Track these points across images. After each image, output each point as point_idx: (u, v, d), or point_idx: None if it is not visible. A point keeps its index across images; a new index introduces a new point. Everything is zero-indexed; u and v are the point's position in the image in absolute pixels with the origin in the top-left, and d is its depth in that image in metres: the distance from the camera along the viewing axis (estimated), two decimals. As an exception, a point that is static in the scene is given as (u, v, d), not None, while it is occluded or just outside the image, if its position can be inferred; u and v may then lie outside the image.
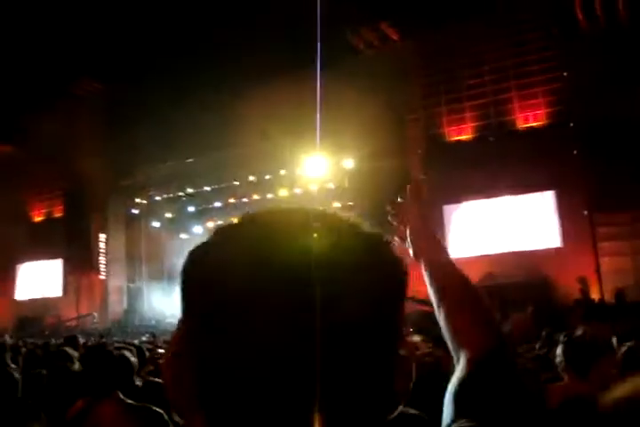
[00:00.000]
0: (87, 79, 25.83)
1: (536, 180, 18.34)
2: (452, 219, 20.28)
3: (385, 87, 19.32)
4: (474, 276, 18.03)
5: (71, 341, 7.78)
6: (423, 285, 1.39)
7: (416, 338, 6.91)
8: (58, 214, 28.87)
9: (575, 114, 17.95)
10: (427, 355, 4.80)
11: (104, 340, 15.34)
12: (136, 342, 11.79)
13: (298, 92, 18.87)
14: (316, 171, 24.23)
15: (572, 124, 17.97)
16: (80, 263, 27.21)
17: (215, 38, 20.32)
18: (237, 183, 26.21)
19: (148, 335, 18.40)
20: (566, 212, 18.42)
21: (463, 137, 20.08)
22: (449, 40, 20.26)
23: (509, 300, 15.55)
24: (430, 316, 1.46)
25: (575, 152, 17.64)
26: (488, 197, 19.65)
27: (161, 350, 7.87)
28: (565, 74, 18.45)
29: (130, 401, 3.29)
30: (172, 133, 23.18)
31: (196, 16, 20.58)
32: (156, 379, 4.56)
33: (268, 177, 25.08)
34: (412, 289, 0.74)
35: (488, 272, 18.53)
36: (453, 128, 20.24)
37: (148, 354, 6.71)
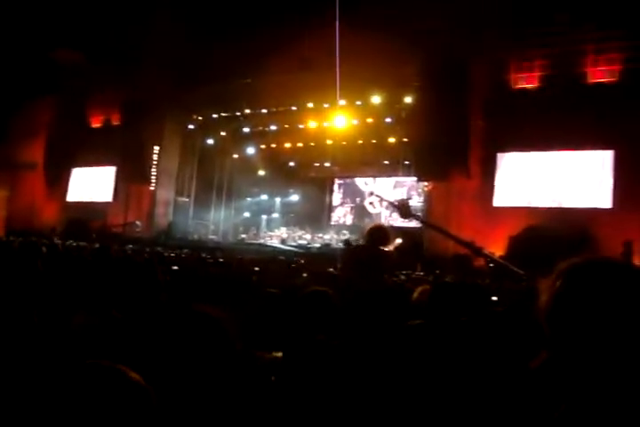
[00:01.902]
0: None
1: (597, 137, 17.94)
2: (504, 167, 20.06)
3: (452, 28, 18.89)
4: (517, 226, 18.09)
5: (103, 251, 7.91)
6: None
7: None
8: (115, 122, 29.21)
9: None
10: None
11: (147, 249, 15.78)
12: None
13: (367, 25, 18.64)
14: (374, 104, 24.13)
15: (643, 85, 17.37)
16: (132, 172, 27.67)
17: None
18: (295, 108, 26.12)
19: (187, 250, 18.85)
20: (622, 173, 18.04)
21: (528, 86, 19.58)
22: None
23: (549, 255, 15.52)
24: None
25: (643, 114, 17.10)
26: (544, 149, 19.34)
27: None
28: (645, 31, 17.72)
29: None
30: (235, 51, 23.04)
31: None
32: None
33: (326, 105, 24.92)
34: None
35: (532, 224, 18.44)
36: (520, 75, 19.72)
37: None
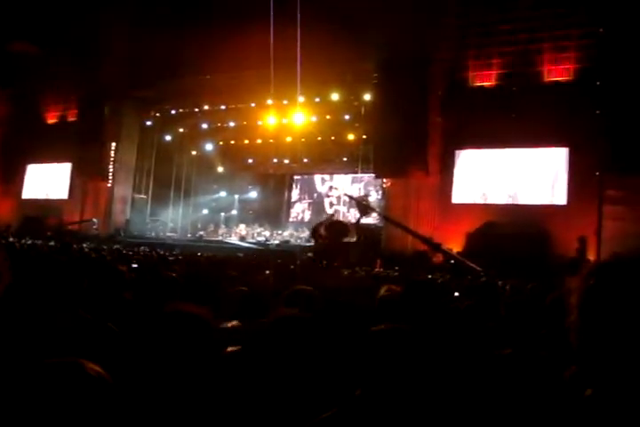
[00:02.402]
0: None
1: (552, 135, 18.20)
2: (461, 164, 20.27)
3: (411, 25, 19.03)
4: (474, 222, 18.30)
5: (65, 248, 7.87)
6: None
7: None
8: (71, 118, 28.83)
9: (603, 73, 17.61)
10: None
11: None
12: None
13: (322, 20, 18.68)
14: (333, 101, 24.19)
15: (598, 83, 17.66)
16: (88, 169, 27.35)
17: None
18: (254, 105, 26.03)
19: (144, 247, 18.69)
20: (577, 170, 18.33)
21: (486, 83, 19.80)
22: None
23: (505, 251, 15.77)
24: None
25: (597, 112, 17.39)
26: (501, 146, 19.59)
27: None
28: (601, 30, 18.00)
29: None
30: (192, 48, 22.90)
31: None
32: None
33: (285, 102, 24.90)
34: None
35: (489, 221, 18.68)
36: (478, 73, 19.93)
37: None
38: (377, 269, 14.45)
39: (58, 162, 29.03)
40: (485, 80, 19.83)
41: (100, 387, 1.47)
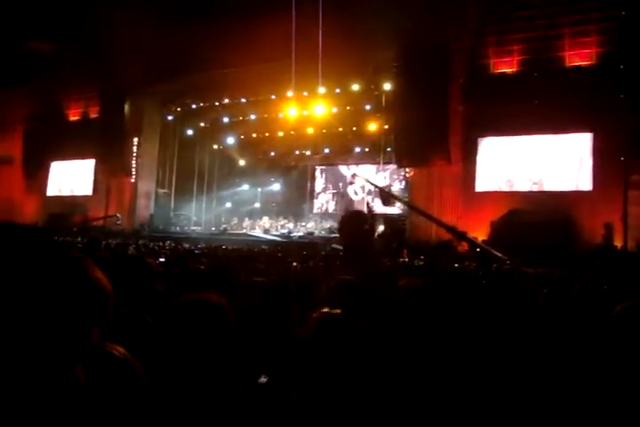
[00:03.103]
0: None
1: (576, 120, 18.01)
2: (484, 152, 20.16)
3: (431, 13, 18.93)
4: (498, 210, 18.21)
5: (93, 243, 7.93)
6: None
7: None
8: (94, 115, 29.02)
9: (627, 56, 17.40)
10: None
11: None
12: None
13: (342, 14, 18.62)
14: (354, 91, 24.15)
15: (621, 67, 17.46)
16: (112, 165, 27.55)
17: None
18: (274, 97, 26.06)
19: (169, 242, 18.82)
20: (602, 156, 18.14)
21: (507, 70, 19.63)
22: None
23: (531, 238, 15.67)
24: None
25: (621, 96, 17.19)
26: (524, 133, 19.43)
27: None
28: (623, 13, 17.78)
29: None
30: (212, 41, 22.95)
31: None
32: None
33: (305, 94, 24.90)
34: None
35: (514, 208, 18.56)
36: (498, 60, 19.77)
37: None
38: (403, 259, 14.46)
39: (81, 158, 29.25)
40: (506, 67, 19.67)
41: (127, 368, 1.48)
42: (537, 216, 17.52)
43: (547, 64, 18.80)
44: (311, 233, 25.77)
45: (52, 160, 30.46)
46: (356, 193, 30.02)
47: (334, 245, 17.35)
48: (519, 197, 19.14)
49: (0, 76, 28.13)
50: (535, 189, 19.25)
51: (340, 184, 31.11)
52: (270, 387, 2.47)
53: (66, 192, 30.08)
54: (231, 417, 1.88)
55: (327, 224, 26.78)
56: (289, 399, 2.15)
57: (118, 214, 26.92)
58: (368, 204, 17.17)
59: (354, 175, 29.08)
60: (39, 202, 30.53)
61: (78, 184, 29.71)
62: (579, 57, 18.53)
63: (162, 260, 7.24)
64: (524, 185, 19.51)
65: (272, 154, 31.56)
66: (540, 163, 19.29)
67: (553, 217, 17.54)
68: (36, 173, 30.42)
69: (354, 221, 7.65)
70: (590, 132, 18.45)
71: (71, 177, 30.06)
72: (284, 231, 26.96)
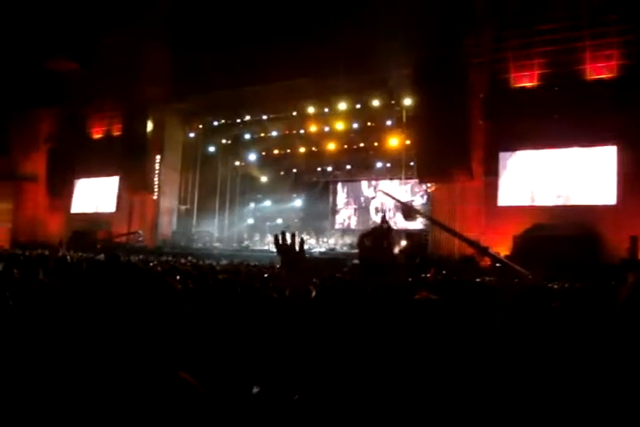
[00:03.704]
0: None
1: (599, 134, 17.86)
2: (507, 166, 20.03)
3: (450, 29, 18.97)
4: (522, 225, 18.04)
5: (112, 259, 7.92)
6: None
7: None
8: (116, 133, 29.29)
9: (648, 69, 17.29)
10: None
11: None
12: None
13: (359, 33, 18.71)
14: (374, 107, 24.19)
15: (643, 79, 17.33)
16: (134, 182, 27.75)
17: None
18: (295, 114, 26.17)
19: (190, 257, 18.85)
20: (626, 169, 17.96)
21: (528, 84, 19.55)
22: (523, -18, 19.63)
23: (554, 253, 15.50)
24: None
25: (644, 108, 17.05)
26: (547, 147, 19.30)
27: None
28: (645, 25, 17.68)
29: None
30: (232, 60, 23.14)
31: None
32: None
33: (326, 110, 24.99)
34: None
35: (537, 223, 18.39)
36: (519, 74, 19.70)
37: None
38: (426, 275, 14.33)
39: (105, 176, 29.51)
40: (527, 81, 19.59)
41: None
42: (561, 230, 17.36)
43: (568, 77, 18.70)
44: (332, 249, 25.69)
45: (77, 178, 30.76)
46: (377, 210, 29.94)
47: (355, 261, 17.28)
48: (542, 211, 18.98)
49: (25, 95, 28.54)
50: (559, 203, 19.07)
51: (362, 199, 31.06)
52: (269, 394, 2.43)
53: (90, 209, 30.34)
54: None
55: (349, 240, 26.69)
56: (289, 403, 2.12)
57: (140, 231, 27.10)
58: (384, 218, 17.01)
59: (376, 190, 29.00)
60: (63, 219, 30.80)
61: (102, 201, 29.96)
62: (600, 70, 18.42)
63: (177, 277, 7.22)
64: (547, 199, 19.35)
65: (294, 170, 31.60)
66: (564, 177, 19.13)
67: (577, 231, 17.36)
68: (60, 190, 30.70)
69: (371, 237, 7.58)
70: (614, 145, 18.28)
71: (95, 194, 30.32)
72: (306, 247, 26.86)
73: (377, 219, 28.72)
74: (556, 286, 8.72)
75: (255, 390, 2.66)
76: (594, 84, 18.26)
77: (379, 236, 7.35)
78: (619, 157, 18.25)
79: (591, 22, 18.41)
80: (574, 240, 16.90)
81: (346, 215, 31.68)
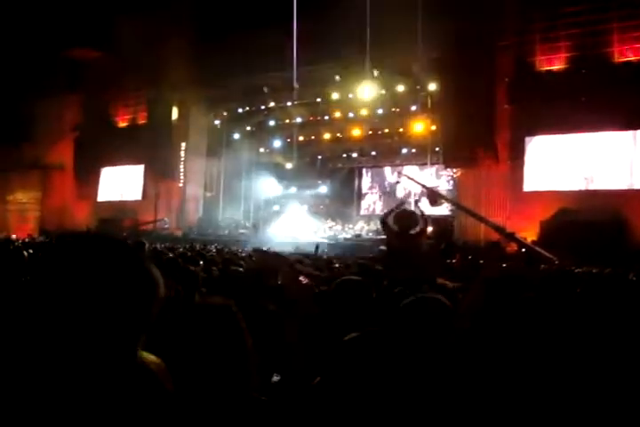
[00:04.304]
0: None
1: (627, 117, 17.62)
2: (532, 151, 19.86)
3: (476, 11, 18.77)
4: (548, 210, 17.89)
5: (138, 246, 8.02)
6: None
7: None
8: (141, 121, 29.41)
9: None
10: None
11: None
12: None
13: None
14: (399, 92, 24.08)
15: (673, 62, 17.07)
16: (160, 170, 27.89)
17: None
18: (319, 100, 26.12)
19: (216, 244, 18.91)
20: (654, 152, 17.76)
21: (555, 67, 19.32)
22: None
23: (581, 238, 15.38)
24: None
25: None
26: (573, 131, 19.08)
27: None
28: (674, 5, 17.36)
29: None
30: (256, 46, 23.11)
31: None
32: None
33: (350, 96, 24.88)
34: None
35: (562, 208, 18.23)
36: (545, 57, 19.46)
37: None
38: (451, 262, 14.28)
39: (131, 164, 29.67)
40: (554, 64, 19.36)
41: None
42: (588, 215, 17.19)
43: (595, 60, 18.45)
44: (358, 235, 25.65)
45: (103, 166, 30.96)
46: (403, 195, 29.83)
47: (382, 247, 17.24)
48: (569, 196, 18.79)
49: (50, 83, 28.73)
50: (585, 188, 18.88)
51: (387, 185, 30.97)
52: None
53: (116, 197, 30.55)
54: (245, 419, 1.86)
55: (374, 226, 26.63)
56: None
57: (166, 218, 27.29)
58: (417, 203, 16.81)
59: (400, 174, 28.81)
60: (90, 207, 31.04)
61: (128, 189, 30.15)
62: (628, 52, 18.14)
63: (201, 263, 7.25)
64: (574, 184, 19.16)
65: (319, 157, 31.56)
66: (591, 161, 18.93)
67: (604, 216, 17.18)
68: (87, 178, 30.91)
69: (402, 222, 7.49)
70: (641, 128, 18.05)
71: (121, 182, 30.53)
72: (331, 234, 26.87)
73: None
74: (581, 271, 8.64)
75: (275, 378, 2.68)
76: (622, 67, 18.00)
77: (406, 222, 7.28)
78: (646, 140, 18.05)
79: (619, 3, 18.12)
80: (601, 225, 16.74)
81: (371, 201, 31.62)
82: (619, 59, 18.24)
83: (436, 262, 10.84)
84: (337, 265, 8.95)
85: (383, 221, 8.01)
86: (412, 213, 8.36)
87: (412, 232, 7.23)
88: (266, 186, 31.39)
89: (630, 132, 18.32)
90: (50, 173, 31.88)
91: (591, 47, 18.58)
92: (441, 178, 28.15)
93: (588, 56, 18.59)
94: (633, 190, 17.96)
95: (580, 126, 18.69)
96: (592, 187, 18.74)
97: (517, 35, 19.73)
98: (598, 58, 18.44)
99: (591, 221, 16.73)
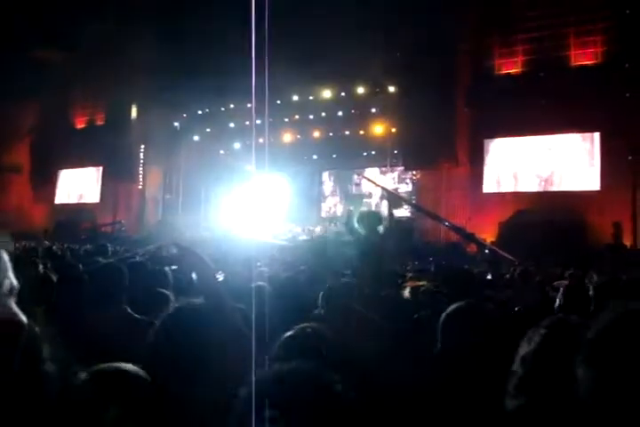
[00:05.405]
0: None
1: (583, 120, 17.92)
2: (491, 153, 20.12)
3: (436, 16, 18.95)
4: (507, 211, 18.15)
5: (101, 249, 7.98)
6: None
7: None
8: (100, 122, 29.10)
9: (632, 55, 17.33)
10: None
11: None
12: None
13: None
14: (359, 94, 24.17)
15: (627, 66, 17.39)
16: (119, 172, 27.61)
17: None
18: (279, 102, 26.09)
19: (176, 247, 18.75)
20: (609, 155, 18.08)
21: (512, 71, 19.61)
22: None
23: (539, 239, 15.61)
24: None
25: (627, 95, 17.13)
26: (531, 133, 19.38)
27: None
28: (628, 11, 17.69)
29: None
30: (216, 48, 23.02)
31: None
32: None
33: (311, 98, 24.92)
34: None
35: (522, 209, 18.52)
36: (503, 61, 19.74)
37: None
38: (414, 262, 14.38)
39: (89, 166, 29.34)
40: (511, 67, 19.65)
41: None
42: (545, 216, 17.46)
43: (552, 64, 18.77)
44: (319, 237, 25.60)
45: (60, 168, 30.57)
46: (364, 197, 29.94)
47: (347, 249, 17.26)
48: (527, 197, 19.09)
49: (7, 86, 28.24)
50: (543, 189, 19.19)
51: (349, 187, 31.04)
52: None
53: (74, 200, 30.18)
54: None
55: (335, 228, 26.65)
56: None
57: (122, 221, 27.02)
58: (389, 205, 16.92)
59: (360, 175, 28.87)
60: (48, 210, 30.62)
61: (86, 191, 29.82)
62: (584, 56, 18.50)
63: (173, 267, 7.17)
64: (532, 186, 19.46)
65: (278, 159, 31.51)
66: (549, 163, 19.26)
67: (562, 217, 17.47)
68: (44, 181, 30.49)
69: (367, 222, 7.50)
70: (598, 131, 18.39)
71: (79, 184, 30.18)
72: (290, 236, 26.81)
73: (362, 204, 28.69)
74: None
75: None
76: (578, 71, 18.34)
77: (370, 219, 7.23)
78: (602, 143, 18.38)
79: (575, 9, 18.45)
80: (559, 226, 17.01)
81: (332, 203, 31.65)
82: (575, 62, 18.58)
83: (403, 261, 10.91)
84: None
85: (347, 222, 8.01)
86: (377, 213, 8.42)
87: (379, 232, 7.25)
88: (226, 188, 31.24)
89: (587, 135, 18.68)
90: (6, 176, 31.32)
91: (548, 51, 18.89)
92: (402, 179, 28.30)
93: (546, 60, 18.91)
94: (590, 191, 18.30)
95: (537, 129, 18.98)
96: (550, 188, 19.05)
97: (476, 39, 19.97)
98: (555, 62, 18.77)
99: (549, 222, 16.99)
